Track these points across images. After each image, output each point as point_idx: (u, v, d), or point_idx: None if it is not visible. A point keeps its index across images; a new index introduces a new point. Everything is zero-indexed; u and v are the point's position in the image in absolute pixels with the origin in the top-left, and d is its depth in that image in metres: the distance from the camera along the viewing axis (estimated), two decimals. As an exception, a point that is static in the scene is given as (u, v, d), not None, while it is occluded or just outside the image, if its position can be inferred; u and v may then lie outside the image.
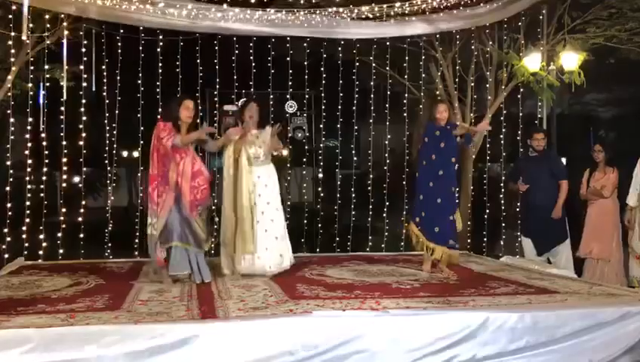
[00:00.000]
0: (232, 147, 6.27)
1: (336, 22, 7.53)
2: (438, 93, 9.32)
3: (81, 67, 7.90)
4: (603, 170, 7.49)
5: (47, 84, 7.91)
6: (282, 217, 6.46)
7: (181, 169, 5.85)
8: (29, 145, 7.66)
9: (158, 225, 5.84)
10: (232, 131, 6.30)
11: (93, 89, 7.96)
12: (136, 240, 8.12)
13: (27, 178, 7.61)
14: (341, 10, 7.24)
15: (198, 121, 6.58)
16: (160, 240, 5.85)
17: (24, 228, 7.48)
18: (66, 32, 7.49)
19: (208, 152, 9.20)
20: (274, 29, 7.62)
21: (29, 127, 7.64)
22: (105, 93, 8.18)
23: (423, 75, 9.23)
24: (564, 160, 8.89)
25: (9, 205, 7.45)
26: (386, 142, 9.48)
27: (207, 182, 6.03)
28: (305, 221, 9.06)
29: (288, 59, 8.87)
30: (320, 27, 7.53)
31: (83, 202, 8.11)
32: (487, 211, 8.95)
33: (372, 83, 9.12)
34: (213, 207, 9.04)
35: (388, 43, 8.77)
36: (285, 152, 6.90)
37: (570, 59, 8.20)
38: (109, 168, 8.38)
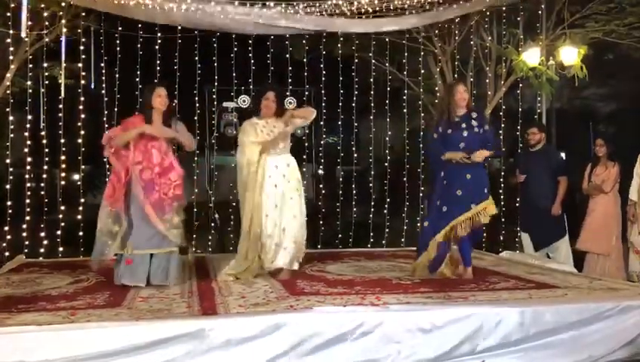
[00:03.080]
0: (255, 142, 6.02)
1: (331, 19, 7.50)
2: (437, 88, 9.32)
3: (80, 65, 7.90)
4: (604, 164, 7.48)
5: (46, 82, 7.90)
6: (297, 209, 6.12)
7: (141, 166, 5.64)
8: (28, 142, 7.67)
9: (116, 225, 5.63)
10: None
11: (92, 86, 7.95)
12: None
13: (27, 176, 7.61)
14: (341, 2, 7.21)
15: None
16: (122, 244, 5.65)
17: (24, 225, 7.49)
18: (64, 30, 7.48)
19: (207, 148, 9.25)
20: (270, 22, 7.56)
21: (28, 125, 7.65)
22: (103, 91, 8.18)
23: (422, 71, 9.23)
24: (563, 155, 8.88)
25: (9, 203, 7.45)
26: (387, 138, 9.49)
27: (181, 177, 5.80)
28: (306, 217, 9.04)
29: (287, 55, 8.87)
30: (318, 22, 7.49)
31: (82, 200, 8.11)
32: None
33: (371, 79, 9.12)
34: (211, 205, 9.09)
35: (387, 39, 8.79)
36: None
37: (570, 54, 8.19)
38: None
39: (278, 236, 5.99)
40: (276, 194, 6.02)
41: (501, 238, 8.85)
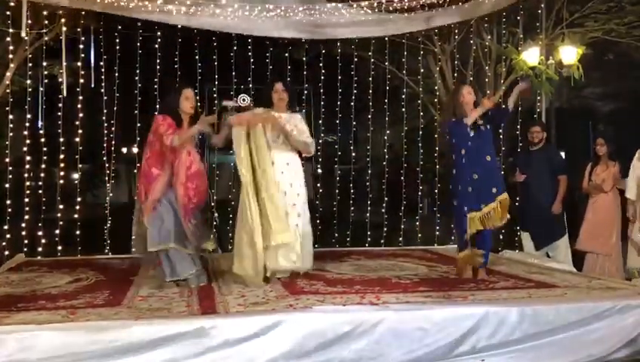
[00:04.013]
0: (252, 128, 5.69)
1: (334, 18, 7.50)
2: (436, 88, 9.33)
3: (79, 63, 7.90)
4: (605, 163, 7.48)
5: (46, 81, 7.90)
6: (304, 210, 5.92)
7: (176, 169, 5.45)
8: (28, 141, 7.67)
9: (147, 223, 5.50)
10: (231, 119, 5.74)
11: (92, 85, 7.95)
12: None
13: (26, 175, 7.61)
14: (340, 5, 7.22)
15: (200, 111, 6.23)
16: (153, 241, 5.47)
17: (23, 224, 7.48)
18: (64, 29, 7.48)
19: (208, 147, 9.24)
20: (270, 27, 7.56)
21: (27, 124, 7.65)
22: (103, 90, 8.18)
23: (422, 70, 9.23)
24: (563, 154, 8.88)
25: (8, 202, 7.45)
26: (385, 137, 9.49)
27: (205, 182, 5.68)
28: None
29: (287, 54, 8.88)
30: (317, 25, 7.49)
31: (79, 199, 8.11)
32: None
33: (370, 78, 9.13)
34: (212, 204, 9.07)
35: (387, 38, 8.79)
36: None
37: (569, 53, 8.20)
38: (107, 165, 8.38)
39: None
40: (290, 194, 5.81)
41: (501, 237, 8.85)
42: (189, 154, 5.55)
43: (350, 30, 7.88)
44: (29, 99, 7.63)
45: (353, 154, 9.99)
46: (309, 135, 6.05)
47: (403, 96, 9.39)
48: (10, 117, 7.55)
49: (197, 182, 5.55)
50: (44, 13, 7.30)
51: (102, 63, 8.08)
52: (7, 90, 7.50)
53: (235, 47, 8.62)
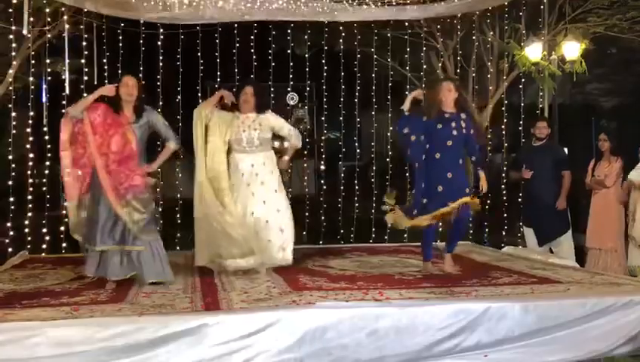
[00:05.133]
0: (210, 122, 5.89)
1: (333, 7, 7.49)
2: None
3: (83, 61, 7.91)
4: (608, 159, 7.46)
5: (49, 78, 7.90)
6: (275, 210, 5.97)
7: (101, 149, 5.31)
8: (31, 138, 7.68)
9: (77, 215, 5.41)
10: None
11: (95, 82, 7.95)
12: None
13: (29, 172, 7.62)
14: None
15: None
16: (84, 238, 5.42)
17: (27, 222, 7.49)
18: (67, 26, 7.49)
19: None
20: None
21: (30, 121, 7.66)
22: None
23: (424, 66, 9.23)
24: (565, 149, 8.86)
25: (11, 199, 7.46)
26: (388, 133, 9.49)
27: (141, 170, 5.46)
28: (307, 213, 9.06)
29: (289, 51, 8.87)
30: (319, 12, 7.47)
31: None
32: (489, 201, 8.94)
33: (373, 74, 9.12)
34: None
35: (389, 34, 8.78)
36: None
37: (572, 49, 8.19)
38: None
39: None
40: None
41: (504, 233, 8.85)
42: (122, 136, 5.41)
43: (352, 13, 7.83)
44: (31, 96, 7.63)
45: (357, 150, 9.99)
46: (290, 127, 6.30)
47: (406, 93, 9.38)
48: (13, 114, 7.55)
49: (130, 165, 5.38)
50: (47, 10, 7.30)
51: (105, 60, 8.08)
52: (10, 88, 7.50)
53: (237, 44, 8.61)
